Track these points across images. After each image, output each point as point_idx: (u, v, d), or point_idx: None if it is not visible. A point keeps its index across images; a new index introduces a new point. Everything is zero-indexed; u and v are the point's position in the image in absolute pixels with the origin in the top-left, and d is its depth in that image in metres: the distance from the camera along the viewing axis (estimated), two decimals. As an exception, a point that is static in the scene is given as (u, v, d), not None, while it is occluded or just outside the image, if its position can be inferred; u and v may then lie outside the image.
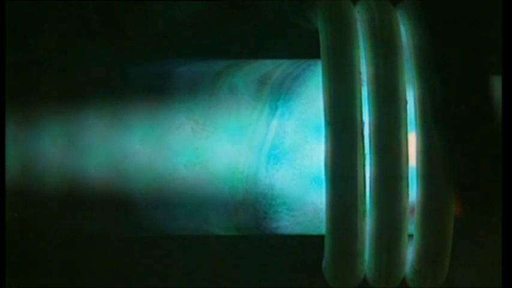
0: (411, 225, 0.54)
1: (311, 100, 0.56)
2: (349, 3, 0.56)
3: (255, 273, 0.71)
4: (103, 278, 0.70)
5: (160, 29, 0.71)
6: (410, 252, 0.55)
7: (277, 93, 0.56)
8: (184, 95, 0.57)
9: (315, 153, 0.55)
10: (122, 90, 0.57)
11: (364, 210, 0.53)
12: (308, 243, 0.61)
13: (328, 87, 0.53)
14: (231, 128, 0.56)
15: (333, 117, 0.52)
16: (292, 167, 0.55)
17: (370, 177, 0.53)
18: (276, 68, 0.57)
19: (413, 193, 0.53)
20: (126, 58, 0.69)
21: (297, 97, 0.56)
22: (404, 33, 0.55)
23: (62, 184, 0.56)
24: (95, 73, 0.58)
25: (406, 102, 0.53)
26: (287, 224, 0.57)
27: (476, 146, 0.53)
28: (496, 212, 0.53)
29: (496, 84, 0.55)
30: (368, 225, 0.53)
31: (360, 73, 0.53)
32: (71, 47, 0.70)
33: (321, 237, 0.55)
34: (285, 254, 0.70)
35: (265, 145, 0.55)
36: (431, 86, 0.53)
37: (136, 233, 0.60)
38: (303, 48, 0.61)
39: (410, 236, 0.54)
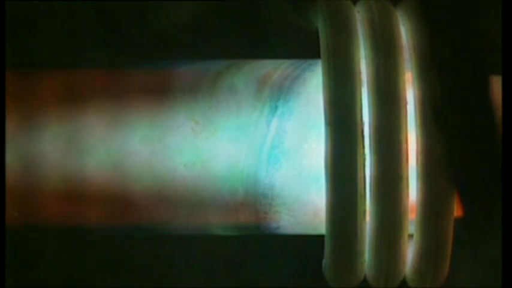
0: (411, 225, 0.54)
1: (311, 100, 0.56)
2: (349, 3, 0.56)
3: (255, 273, 0.71)
4: (103, 278, 0.70)
5: (160, 29, 0.71)
6: (410, 252, 0.55)
7: (277, 93, 0.56)
8: (185, 95, 0.57)
9: (315, 153, 0.55)
10: (121, 90, 0.57)
11: (364, 210, 0.53)
12: (308, 243, 0.61)
13: (328, 87, 0.53)
14: (231, 128, 0.56)
15: (333, 117, 0.52)
16: (292, 167, 0.55)
17: (370, 177, 0.53)
18: (276, 68, 0.57)
19: (413, 193, 0.53)
20: (126, 58, 0.69)
21: (297, 97, 0.56)
22: (404, 33, 0.55)
23: (62, 184, 0.56)
24: (95, 73, 0.58)
25: (406, 102, 0.53)
26: (287, 224, 0.57)
27: (476, 146, 0.53)
28: (496, 212, 0.53)
29: (496, 84, 0.55)
30: (368, 225, 0.53)
31: (360, 73, 0.53)
32: (70, 47, 0.70)
33: (321, 237, 0.55)
34: (285, 254, 0.70)
35: (265, 145, 0.55)
36: (431, 86, 0.53)
37: (136, 233, 0.60)
38: (303, 48, 0.61)
39: (411, 236, 0.54)
